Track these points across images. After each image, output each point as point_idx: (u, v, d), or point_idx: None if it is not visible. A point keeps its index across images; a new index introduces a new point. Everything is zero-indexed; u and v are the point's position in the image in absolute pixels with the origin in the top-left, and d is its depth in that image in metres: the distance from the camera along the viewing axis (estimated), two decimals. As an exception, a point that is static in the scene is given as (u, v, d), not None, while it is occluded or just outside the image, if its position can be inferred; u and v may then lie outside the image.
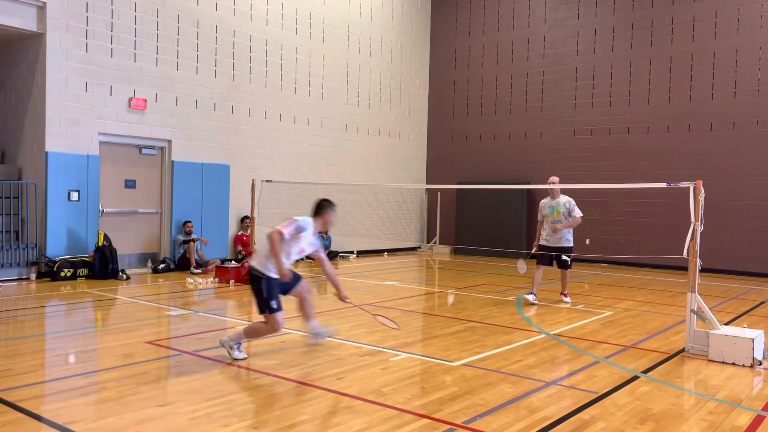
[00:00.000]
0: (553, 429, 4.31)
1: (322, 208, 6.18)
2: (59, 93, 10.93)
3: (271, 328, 5.91)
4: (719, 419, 4.60)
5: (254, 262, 5.95)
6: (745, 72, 14.16)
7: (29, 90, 11.12)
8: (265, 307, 5.83)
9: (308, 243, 5.99)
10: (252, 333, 6.00)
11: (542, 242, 9.68)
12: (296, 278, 6.11)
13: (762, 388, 5.49)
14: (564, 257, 9.51)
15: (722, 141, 14.37)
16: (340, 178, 16.01)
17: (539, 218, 9.81)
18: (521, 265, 9.72)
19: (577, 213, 9.53)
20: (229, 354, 5.93)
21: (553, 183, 9.54)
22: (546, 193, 10.00)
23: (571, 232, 9.65)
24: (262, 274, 5.81)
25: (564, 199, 9.60)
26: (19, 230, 11.03)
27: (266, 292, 5.80)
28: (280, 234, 5.65)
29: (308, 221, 5.95)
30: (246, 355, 6.00)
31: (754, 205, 13.93)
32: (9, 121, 11.59)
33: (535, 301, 9.51)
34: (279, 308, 5.86)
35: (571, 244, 9.64)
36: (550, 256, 9.60)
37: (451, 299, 7.79)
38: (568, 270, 9.68)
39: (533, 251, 9.81)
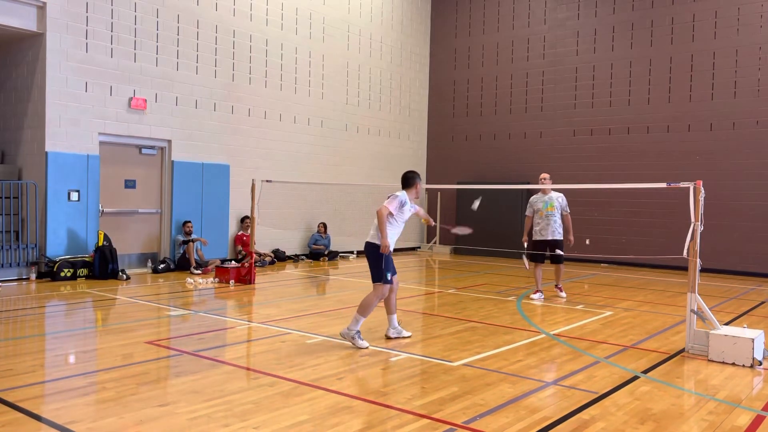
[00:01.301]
0: (553, 429, 4.31)
1: (413, 179, 6.81)
2: (59, 93, 10.93)
3: (381, 295, 6.56)
4: (719, 419, 4.60)
5: (372, 238, 6.67)
6: (745, 72, 14.15)
7: (29, 90, 11.12)
8: (382, 276, 6.53)
9: (409, 210, 6.76)
10: (365, 309, 6.50)
11: (538, 238, 10.01)
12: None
13: (762, 388, 5.49)
14: (558, 251, 9.87)
15: (722, 141, 14.36)
16: (340, 178, 16.02)
17: (529, 213, 10.17)
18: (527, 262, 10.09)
19: (568, 210, 10.08)
20: (354, 344, 6.43)
21: (545, 180, 9.97)
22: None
23: (562, 225, 10.04)
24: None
25: (555, 194, 10.04)
26: (19, 230, 11.03)
27: (385, 264, 6.54)
28: (388, 211, 6.47)
29: (405, 194, 6.69)
30: (368, 344, 6.48)
31: (754, 205, 13.93)
32: (9, 121, 11.59)
33: (542, 299, 9.81)
34: (391, 281, 6.63)
35: (562, 238, 10.04)
36: (544, 251, 9.98)
37: (476, 205, 8.01)
38: (563, 263, 10.04)
39: (525, 245, 10.13)
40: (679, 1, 15.01)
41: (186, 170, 12.82)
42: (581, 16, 16.46)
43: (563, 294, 9.93)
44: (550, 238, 9.87)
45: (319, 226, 15.32)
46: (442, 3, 19.04)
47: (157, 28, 12.30)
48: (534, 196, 10.21)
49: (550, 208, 9.86)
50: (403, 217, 6.71)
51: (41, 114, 10.85)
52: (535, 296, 9.92)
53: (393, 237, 6.61)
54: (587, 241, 15.51)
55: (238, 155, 13.81)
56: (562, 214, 9.98)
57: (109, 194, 11.88)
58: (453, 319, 8.19)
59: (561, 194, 10.08)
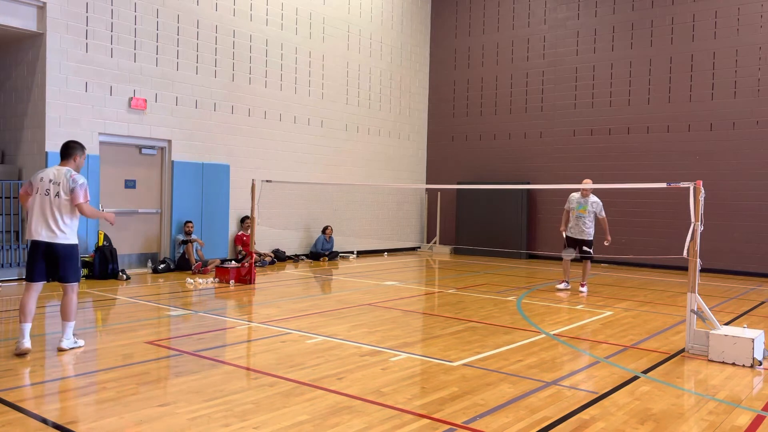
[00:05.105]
0: (553, 429, 4.31)
1: (79, 148, 6.69)
2: (59, 93, 10.93)
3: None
4: (719, 419, 4.60)
5: (66, 239, 6.17)
6: (745, 72, 14.15)
7: (29, 90, 11.11)
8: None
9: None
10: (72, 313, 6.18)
11: (568, 234, 10.82)
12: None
13: (762, 388, 5.49)
14: (585, 248, 10.64)
15: (722, 141, 14.36)
16: (340, 178, 16.01)
17: (566, 207, 10.92)
18: (568, 254, 10.80)
19: (603, 214, 10.74)
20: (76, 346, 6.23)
21: (586, 184, 10.61)
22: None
23: (593, 227, 10.72)
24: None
25: (593, 198, 10.72)
26: (19, 230, 11.03)
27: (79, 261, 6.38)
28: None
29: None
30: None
31: (754, 205, 13.93)
32: (9, 121, 11.59)
33: (568, 288, 10.71)
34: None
35: (591, 238, 10.75)
36: (574, 247, 10.77)
37: None
38: (589, 261, 10.81)
39: (564, 234, 10.93)
40: (679, 1, 15.00)
41: (186, 170, 12.82)
42: (581, 16, 16.46)
43: (584, 289, 10.60)
44: (578, 237, 10.72)
45: (327, 230, 15.22)
46: (442, 3, 19.03)
47: (157, 28, 12.30)
48: (574, 194, 10.89)
49: (582, 211, 10.62)
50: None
51: (41, 114, 10.85)
52: (560, 286, 10.78)
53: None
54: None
55: (238, 155, 13.81)
56: (597, 218, 10.68)
57: (109, 194, 11.88)
58: (453, 319, 8.19)
59: (598, 200, 10.71)
